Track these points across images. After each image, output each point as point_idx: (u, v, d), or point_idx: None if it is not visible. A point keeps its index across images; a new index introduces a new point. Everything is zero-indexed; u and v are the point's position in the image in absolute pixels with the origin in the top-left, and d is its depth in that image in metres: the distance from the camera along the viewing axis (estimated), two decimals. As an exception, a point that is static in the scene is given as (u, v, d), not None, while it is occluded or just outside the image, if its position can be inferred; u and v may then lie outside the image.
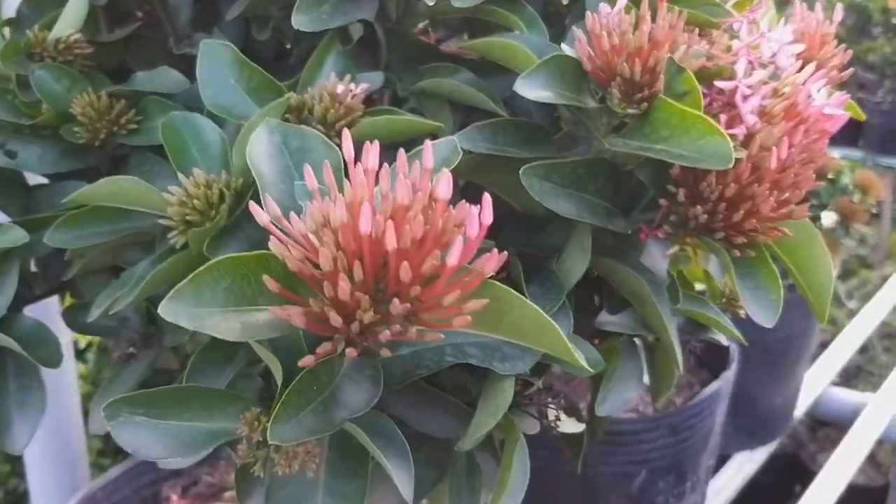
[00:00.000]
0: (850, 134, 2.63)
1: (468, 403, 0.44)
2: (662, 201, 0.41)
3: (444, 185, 0.29)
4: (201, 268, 0.29)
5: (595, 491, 1.05)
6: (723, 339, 0.59)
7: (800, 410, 1.58)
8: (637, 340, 0.54)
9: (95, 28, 0.55)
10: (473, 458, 0.44)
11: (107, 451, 1.40)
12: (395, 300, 0.27)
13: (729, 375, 1.11)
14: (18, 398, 0.47)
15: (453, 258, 0.27)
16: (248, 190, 0.39)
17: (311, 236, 0.29)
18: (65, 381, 0.96)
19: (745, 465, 1.45)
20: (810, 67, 0.45)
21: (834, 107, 0.44)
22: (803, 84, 0.44)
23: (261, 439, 0.34)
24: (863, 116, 0.53)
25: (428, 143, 0.30)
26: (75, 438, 1.00)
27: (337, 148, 0.36)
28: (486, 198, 0.29)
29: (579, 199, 0.41)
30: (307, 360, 0.29)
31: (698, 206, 0.40)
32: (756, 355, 1.40)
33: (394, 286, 0.28)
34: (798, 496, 1.33)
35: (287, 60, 0.59)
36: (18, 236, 0.43)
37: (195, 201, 0.36)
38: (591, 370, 0.42)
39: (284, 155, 0.36)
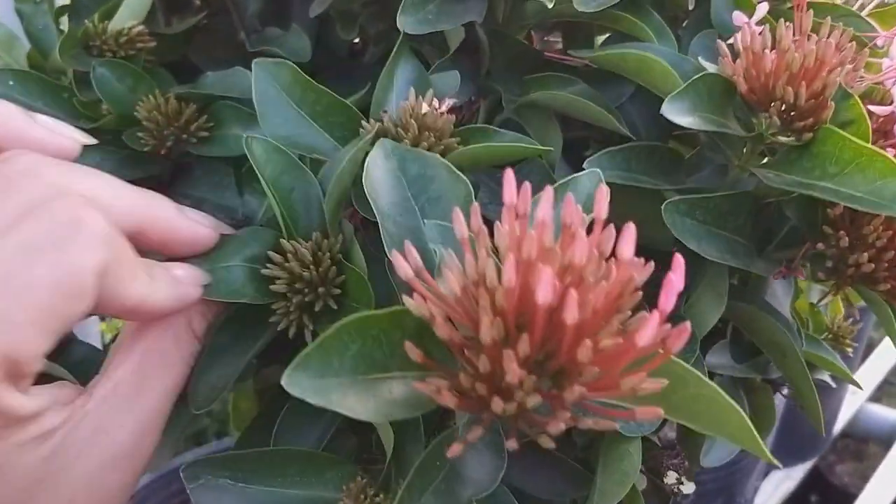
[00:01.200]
0: None
1: (575, 459, 0.39)
2: (820, 245, 0.36)
3: (628, 244, 0.24)
4: (329, 330, 0.24)
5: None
6: (830, 381, 0.54)
7: (836, 427, 1.54)
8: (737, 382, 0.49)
9: (153, 19, 0.50)
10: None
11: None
12: (576, 386, 0.22)
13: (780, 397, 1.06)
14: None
15: (646, 337, 0.22)
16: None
17: (463, 297, 0.24)
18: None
19: (783, 482, 1.41)
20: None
21: None
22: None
23: (367, 515, 0.29)
24: None
25: (602, 187, 0.25)
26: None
27: (463, 177, 0.31)
28: (678, 258, 0.24)
29: (721, 239, 0.36)
30: (455, 450, 0.24)
31: (864, 253, 0.35)
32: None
33: (569, 369, 0.23)
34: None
35: (361, 58, 0.54)
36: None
37: (304, 274, 0.31)
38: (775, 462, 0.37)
39: (402, 184, 0.31)
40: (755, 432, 0.26)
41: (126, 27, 0.45)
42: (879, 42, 0.44)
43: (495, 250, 0.25)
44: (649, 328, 0.22)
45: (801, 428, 1.42)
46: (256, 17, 0.51)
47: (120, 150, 0.42)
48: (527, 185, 0.25)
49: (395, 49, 0.39)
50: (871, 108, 0.39)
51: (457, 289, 0.24)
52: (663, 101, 0.34)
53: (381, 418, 0.24)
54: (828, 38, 0.35)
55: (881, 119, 0.39)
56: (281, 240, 0.32)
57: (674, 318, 0.22)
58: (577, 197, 0.28)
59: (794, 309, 0.51)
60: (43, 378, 0.27)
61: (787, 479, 1.41)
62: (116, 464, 0.28)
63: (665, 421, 0.41)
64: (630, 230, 0.24)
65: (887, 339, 1.52)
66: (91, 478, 0.27)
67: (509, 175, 0.24)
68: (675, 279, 0.23)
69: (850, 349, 0.55)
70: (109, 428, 0.28)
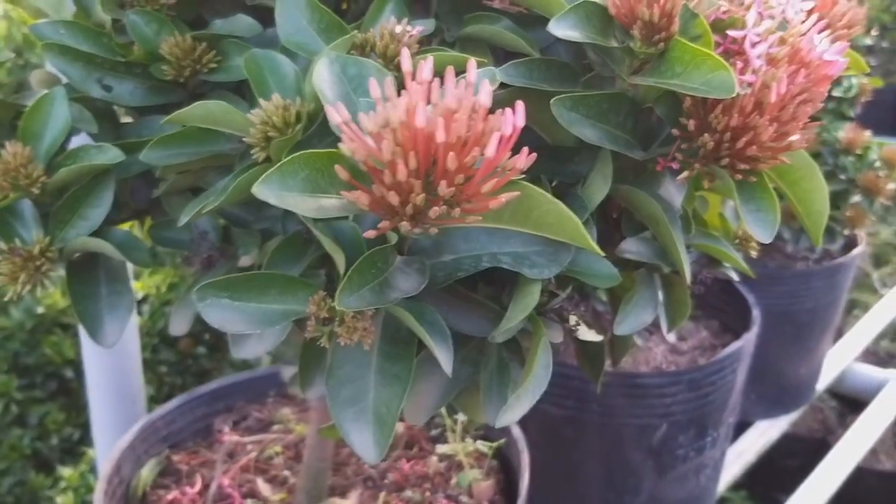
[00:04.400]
0: (891, 124, 2.63)
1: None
2: (675, 131, 0.47)
3: (485, 94, 0.35)
4: (285, 159, 0.35)
5: (619, 441, 1.11)
6: (734, 275, 0.64)
7: (823, 384, 1.62)
8: (655, 275, 0.60)
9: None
10: (503, 358, 0.50)
11: (158, 398, 1.49)
12: (443, 182, 0.34)
13: (750, 337, 1.16)
14: (109, 302, 0.54)
15: (491, 150, 0.34)
16: (318, 114, 0.45)
17: (376, 134, 0.35)
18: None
19: (767, 431, 1.50)
20: (813, 18, 0.50)
21: (833, 53, 0.49)
22: (805, 34, 0.49)
23: (326, 316, 0.41)
24: (867, 68, 0.58)
25: (472, 61, 0.36)
26: (135, 378, 1.08)
27: (391, 74, 0.42)
28: (519, 104, 0.35)
29: (602, 130, 0.47)
30: (371, 233, 0.35)
31: (706, 135, 0.46)
32: (782, 325, 1.45)
33: (441, 175, 0.34)
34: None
35: (346, 15, 0.65)
36: (115, 154, 0.50)
37: (274, 119, 0.43)
38: (607, 281, 0.48)
39: (344, 81, 0.42)
40: (586, 234, 0.37)
41: (152, -12, 0.57)
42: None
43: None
44: (492, 143, 0.34)
45: (783, 378, 1.52)
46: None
47: (147, 80, 0.55)
48: (430, 60, 0.37)
49: None
50: (730, 32, 0.50)
51: (371, 128, 0.35)
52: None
53: (319, 214, 0.36)
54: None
55: (739, 40, 0.50)
56: (260, 99, 0.44)
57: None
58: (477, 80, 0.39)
59: (698, 215, 0.62)
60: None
61: (770, 427, 1.50)
62: None
63: (571, 280, 0.52)
64: (518, 106, 0.35)
65: (880, 303, 1.61)
66: None
67: (405, 53, 0.36)
68: (514, 117, 0.34)
69: (753, 251, 0.66)
70: None
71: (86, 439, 1.79)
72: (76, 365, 1.76)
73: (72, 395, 1.81)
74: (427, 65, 0.35)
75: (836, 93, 1.42)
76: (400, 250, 0.43)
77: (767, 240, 0.46)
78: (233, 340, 0.49)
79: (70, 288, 0.53)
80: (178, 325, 0.54)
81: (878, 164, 1.37)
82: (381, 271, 0.41)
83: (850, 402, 1.82)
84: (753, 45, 0.49)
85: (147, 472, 0.87)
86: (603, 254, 0.39)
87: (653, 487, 1.14)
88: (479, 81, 0.38)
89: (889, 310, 1.89)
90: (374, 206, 0.35)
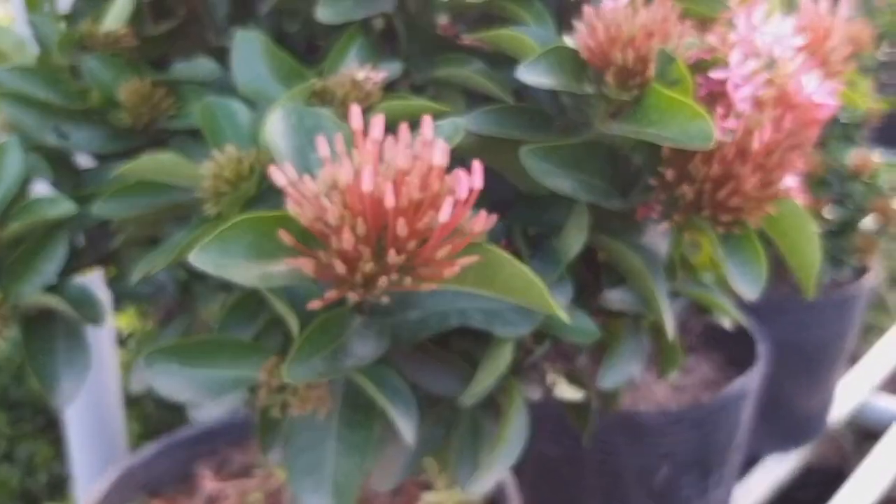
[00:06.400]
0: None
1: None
2: (652, 181, 0.44)
3: (440, 154, 0.32)
4: (227, 224, 0.33)
5: (618, 480, 1.07)
6: (726, 323, 0.61)
7: (838, 415, 1.58)
8: (641, 323, 0.57)
9: (141, 22, 0.60)
10: (476, 418, 0.48)
11: (145, 433, 1.47)
12: (392, 251, 0.31)
13: (755, 372, 1.12)
14: (66, 357, 0.51)
15: (445, 215, 0.31)
16: (262, 171, 0.43)
17: (322, 198, 0.33)
18: (107, 365, 1.02)
19: (776, 467, 1.46)
20: (801, 58, 0.47)
21: (824, 95, 0.47)
22: (793, 74, 0.47)
23: (279, 384, 0.38)
24: (864, 105, 0.56)
25: (427, 117, 0.34)
26: (116, 418, 1.06)
27: (344, 124, 0.40)
28: (476, 164, 0.32)
29: (577, 180, 0.45)
30: (315, 304, 0.33)
31: (685, 185, 0.43)
32: (790, 357, 1.41)
33: (392, 242, 0.32)
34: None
35: (317, 54, 0.63)
36: (69, 207, 0.48)
37: (226, 173, 0.40)
38: (586, 337, 0.45)
39: (300, 133, 0.40)
40: (551, 301, 0.34)
41: (112, 29, 0.55)
42: (735, 21, 0.52)
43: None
44: (446, 208, 0.31)
45: (793, 411, 1.48)
46: (226, 19, 0.61)
47: (106, 127, 0.53)
48: (381, 118, 0.34)
49: (347, 33, 0.49)
50: (711, 73, 0.47)
51: (317, 190, 0.33)
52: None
53: (263, 283, 0.33)
54: (656, 13, 0.44)
55: (720, 82, 0.48)
56: (214, 150, 0.41)
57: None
58: (438, 135, 0.36)
59: (688, 262, 0.59)
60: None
61: (780, 462, 1.46)
62: None
63: (546, 337, 0.49)
64: (475, 165, 0.33)
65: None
66: None
67: (378, 118, 0.33)
68: (471, 179, 0.32)
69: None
70: None
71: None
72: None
73: (60, 430, 1.79)
74: (378, 122, 0.33)
75: (843, 117, 1.38)
76: (360, 310, 0.40)
77: (754, 297, 0.43)
78: (189, 401, 0.46)
79: (25, 345, 0.50)
80: (137, 383, 0.52)
81: (889, 189, 1.33)
82: (335, 336, 0.38)
83: (867, 434, 1.77)
84: (737, 87, 0.46)
85: (126, 522, 0.85)
86: (568, 320, 0.36)
87: (654, 529, 1.11)
88: (441, 138, 0.36)
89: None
90: (321, 273, 0.33)
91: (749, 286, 0.44)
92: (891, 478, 1.41)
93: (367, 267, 0.32)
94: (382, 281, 0.32)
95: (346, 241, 0.31)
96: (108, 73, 0.51)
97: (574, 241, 0.46)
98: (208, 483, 0.89)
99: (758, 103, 0.46)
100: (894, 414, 1.66)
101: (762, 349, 1.18)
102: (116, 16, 0.56)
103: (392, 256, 0.31)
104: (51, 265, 0.49)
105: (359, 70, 0.45)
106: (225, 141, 0.44)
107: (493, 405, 0.49)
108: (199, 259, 0.32)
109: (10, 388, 1.63)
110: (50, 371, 0.51)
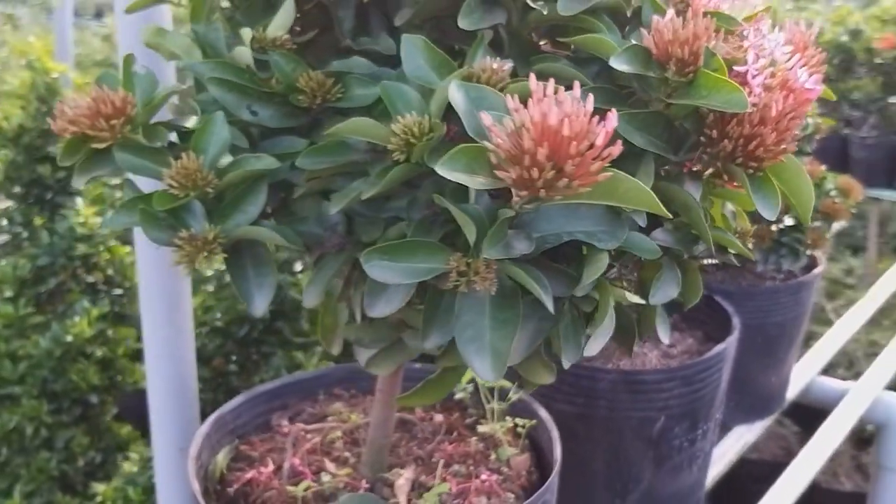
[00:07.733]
0: (839, 165, 2.87)
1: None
2: (702, 139, 0.64)
3: (590, 103, 0.51)
4: (452, 151, 0.51)
5: (622, 433, 1.26)
6: (734, 260, 0.81)
7: (791, 394, 1.80)
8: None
9: (291, 31, 0.78)
10: (574, 315, 0.66)
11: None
12: (569, 161, 0.49)
13: (732, 340, 1.33)
14: (257, 282, 0.68)
15: (600, 139, 0.49)
16: (439, 128, 0.60)
17: (517, 131, 0.51)
18: (183, 329, 1.16)
19: (744, 435, 1.66)
20: (796, 59, 0.67)
21: (811, 83, 0.67)
22: (791, 69, 0.67)
23: (463, 269, 0.56)
24: (834, 97, 0.76)
25: (576, 82, 0.52)
26: (190, 383, 1.20)
27: (501, 94, 0.58)
28: (612, 112, 0.51)
29: (647, 138, 0.64)
30: (517, 199, 0.51)
31: (726, 141, 0.63)
32: (754, 338, 1.62)
33: (565, 158, 0.50)
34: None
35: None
36: (270, 162, 0.65)
37: (414, 129, 0.58)
38: (651, 254, 0.64)
39: (468, 99, 0.58)
40: (657, 201, 0.53)
41: (277, 35, 0.72)
42: (745, 32, 0.72)
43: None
44: (601, 135, 0.49)
45: (756, 386, 1.69)
46: (351, 31, 0.79)
47: (283, 107, 0.70)
48: (552, 81, 0.52)
49: (477, 40, 0.67)
50: (735, 68, 0.67)
51: (511, 127, 0.51)
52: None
53: (477, 186, 0.51)
54: (701, 23, 0.63)
55: (742, 73, 0.67)
56: (397, 116, 0.59)
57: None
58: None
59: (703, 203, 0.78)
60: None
61: (747, 432, 1.67)
62: None
63: (624, 254, 0.67)
64: (612, 112, 0.51)
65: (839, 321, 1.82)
66: None
67: (532, 77, 0.52)
68: (608, 123, 0.50)
69: (750, 243, 0.82)
70: None
71: (108, 463, 1.88)
72: (100, 391, 1.85)
73: (95, 420, 1.91)
74: (550, 84, 0.51)
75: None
76: (511, 225, 0.58)
77: (772, 216, 0.63)
78: (367, 302, 0.63)
79: (228, 270, 0.67)
80: (311, 298, 0.69)
81: (833, 192, 1.57)
82: (503, 236, 0.56)
83: (815, 413, 1.99)
84: (754, 77, 0.66)
85: (222, 458, 1.00)
86: (671, 215, 0.55)
87: (652, 476, 1.29)
88: (584, 96, 0.54)
89: (846, 323, 2.09)
90: (517, 181, 0.51)
91: (769, 210, 0.63)
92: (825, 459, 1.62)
93: (550, 174, 0.50)
94: (562, 182, 0.50)
95: (541, 153, 0.49)
96: (289, 66, 0.69)
97: (645, 183, 0.64)
98: (289, 428, 1.05)
99: (767, 88, 0.66)
100: (836, 393, 1.89)
101: (736, 322, 1.38)
102: (279, 25, 0.73)
103: (568, 166, 0.49)
104: (254, 207, 0.66)
105: (493, 62, 0.63)
106: (398, 112, 0.62)
107: (579, 313, 0.67)
108: (443, 168, 0.50)
109: (49, 381, 1.74)
110: (247, 290, 0.67)
